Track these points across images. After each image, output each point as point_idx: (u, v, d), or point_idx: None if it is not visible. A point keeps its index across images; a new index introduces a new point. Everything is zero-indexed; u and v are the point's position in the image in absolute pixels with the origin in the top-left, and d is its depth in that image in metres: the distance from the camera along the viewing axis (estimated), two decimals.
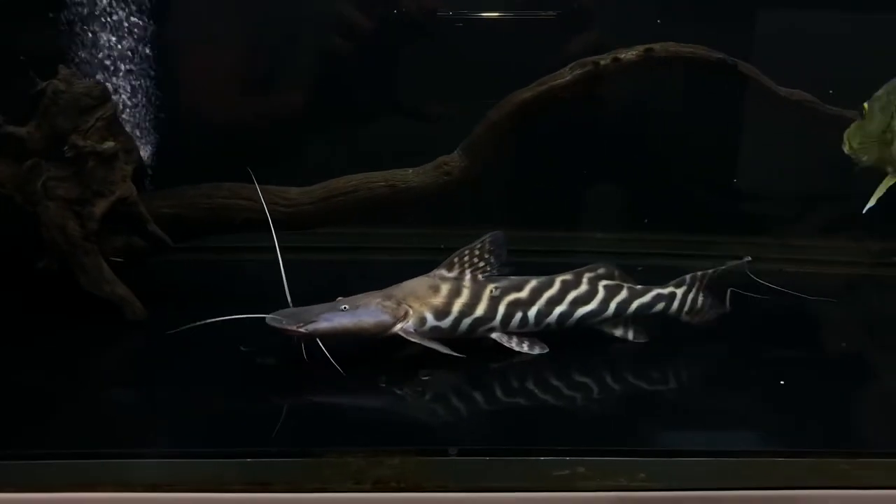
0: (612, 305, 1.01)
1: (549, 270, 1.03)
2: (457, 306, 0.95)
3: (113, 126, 1.10)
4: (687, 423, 0.88)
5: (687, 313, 1.06)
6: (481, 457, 0.75)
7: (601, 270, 1.02)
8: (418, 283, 0.96)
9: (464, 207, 1.30)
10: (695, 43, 1.16)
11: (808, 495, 0.78)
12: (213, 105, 1.36)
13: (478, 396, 0.91)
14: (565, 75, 1.15)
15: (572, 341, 1.01)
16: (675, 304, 1.04)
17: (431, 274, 0.98)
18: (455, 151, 1.19)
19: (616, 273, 1.03)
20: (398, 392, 0.90)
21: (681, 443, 0.83)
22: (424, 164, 1.19)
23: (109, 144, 1.08)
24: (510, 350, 0.96)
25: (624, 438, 0.82)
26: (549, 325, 0.99)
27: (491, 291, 0.97)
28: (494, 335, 0.97)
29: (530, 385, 0.93)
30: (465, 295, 0.96)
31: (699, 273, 1.06)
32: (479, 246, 0.98)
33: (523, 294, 0.98)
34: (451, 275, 0.97)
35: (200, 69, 1.35)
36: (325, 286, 0.99)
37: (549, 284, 1.00)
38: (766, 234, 1.42)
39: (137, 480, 0.71)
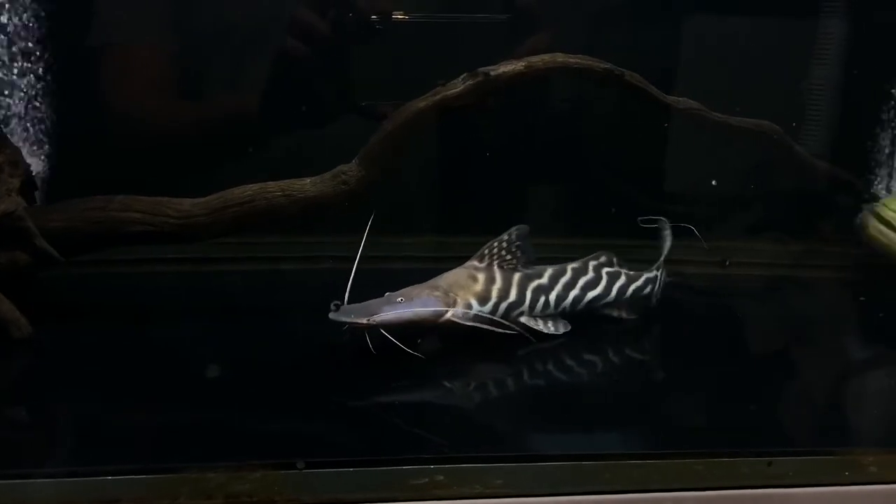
0: (614, 290, 1.13)
1: None
2: (495, 292, 1.04)
3: None
4: (553, 426, 0.90)
5: (657, 294, 1.18)
6: (336, 468, 0.75)
7: (603, 259, 1.14)
8: (458, 274, 1.05)
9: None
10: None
11: (669, 497, 0.80)
12: (160, 111, 1.35)
13: (340, 405, 0.92)
14: (458, 85, 1.16)
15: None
16: (658, 286, 1.18)
17: (466, 265, 1.07)
18: (353, 161, 1.20)
19: (615, 261, 1.15)
20: (263, 404, 0.90)
21: (541, 447, 0.84)
22: None
23: None
24: (539, 332, 1.05)
25: (483, 444, 0.83)
26: (564, 308, 1.10)
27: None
28: (523, 318, 1.06)
29: (396, 392, 0.94)
30: (499, 282, 1.05)
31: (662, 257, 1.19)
32: (506, 239, 1.07)
33: (544, 280, 1.09)
34: (483, 265, 1.06)
35: (144, 73, 1.34)
36: None
37: (563, 272, 1.11)
38: (691, 236, 1.45)
39: None
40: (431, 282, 1.03)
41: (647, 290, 1.16)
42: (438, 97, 1.17)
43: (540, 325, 1.07)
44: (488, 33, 1.36)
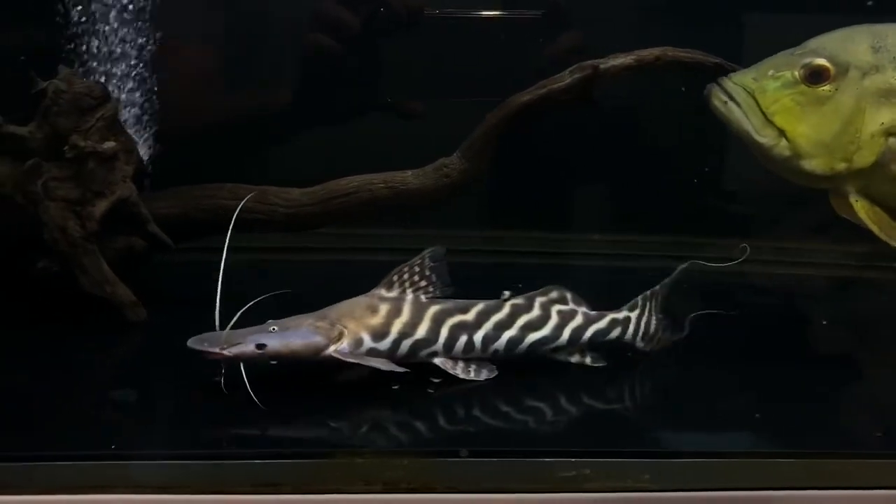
0: (567, 332, 0.95)
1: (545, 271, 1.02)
2: (396, 327, 0.89)
3: (113, 126, 1.10)
4: (690, 425, 0.90)
5: (642, 339, 0.99)
6: (489, 458, 0.76)
7: (554, 294, 0.96)
8: (355, 304, 0.91)
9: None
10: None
11: (806, 495, 0.80)
12: (204, 104, 1.36)
13: (487, 401, 0.91)
14: (565, 79, 1.16)
15: None
16: (631, 329, 0.98)
17: (370, 293, 0.92)
18: (455, 154, 1.20)
19: (569, 297, 0.97)
20: (409, 397, 0.90)
21: (683, 444, 0.84)
22: (420, 162, 1.19)
23: (110, 144, 1.08)
24: (456, 377, 0.91)
25: (629, 441, 0.83)
26: (496, 351, 0.93)
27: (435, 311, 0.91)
28: (437, 360, 0.91)
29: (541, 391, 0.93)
30: (406, 315, 0.90)
31: (648, 293, 0.99)
32: (418, 262, 0.93)
33: (469, 317, 0.92)
34: (391, 294, 0.92)
35: (193, 69, 1.35)
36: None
37: (498, 308, 0.94)
38: (756, 236, 1.44)
39: (147, 482, 0.71)
40: (322, 311, 0.90)
41: (616, 333, 0.96)
42: (545, 90, 1.17)
43: (457, 370, 0.91)
44: (521, 30, 1.35)
